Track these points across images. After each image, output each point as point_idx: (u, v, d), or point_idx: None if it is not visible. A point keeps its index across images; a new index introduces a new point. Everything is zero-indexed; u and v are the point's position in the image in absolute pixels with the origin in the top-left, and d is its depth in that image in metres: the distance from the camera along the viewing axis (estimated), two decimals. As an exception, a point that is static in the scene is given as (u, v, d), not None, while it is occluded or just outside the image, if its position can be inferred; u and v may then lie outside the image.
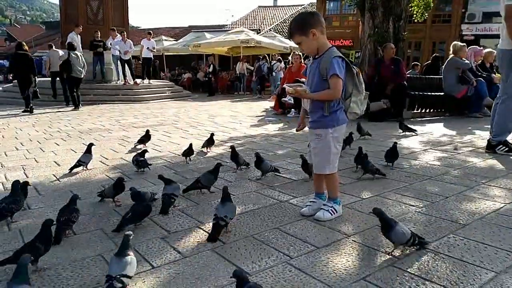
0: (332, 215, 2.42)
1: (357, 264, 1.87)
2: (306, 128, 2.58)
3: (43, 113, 9.21)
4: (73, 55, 9.71)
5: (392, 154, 3.66)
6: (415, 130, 5.60)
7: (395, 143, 3.72)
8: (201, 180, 2.91)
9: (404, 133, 5.57)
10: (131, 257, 1.67)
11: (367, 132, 5.28)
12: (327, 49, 2.35)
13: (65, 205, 2.29)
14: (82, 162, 3.66)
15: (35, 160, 4.19)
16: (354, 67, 2.39)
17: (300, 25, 2.36)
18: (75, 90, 9.95)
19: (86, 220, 2.46)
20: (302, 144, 4.82)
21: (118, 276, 1.58)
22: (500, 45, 4.17)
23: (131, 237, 1.74)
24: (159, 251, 2.03)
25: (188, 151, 4.04)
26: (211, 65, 17.00)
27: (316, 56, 2.40)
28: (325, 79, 2.30)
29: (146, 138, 4.87)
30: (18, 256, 1.63)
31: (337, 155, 2.44)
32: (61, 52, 12.49)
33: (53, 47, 13.46)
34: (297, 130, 2.71)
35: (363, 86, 2.43)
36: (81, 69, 9.83)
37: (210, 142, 4.56)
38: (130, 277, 1.64)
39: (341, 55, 2.33)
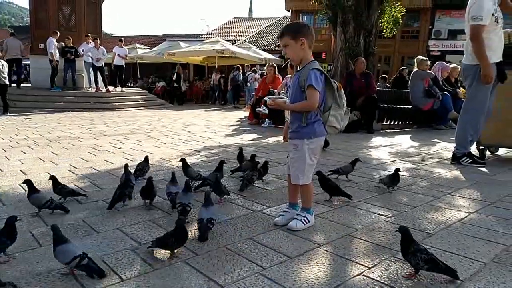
0: (304, 224, 2.44)
1: (328, 273, 1.89)
2: None
3: (9, 120, 8.87)
4: None
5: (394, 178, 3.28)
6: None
7: (398, 169, 3.34)
8: (209, 178, 3.20)
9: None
10: (216, 206, 2.30)
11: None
12: (308, 62, 2.40)
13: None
14: None
15: (-1, 169, 4.02)
16: (335, 81, 2.44)
17: (293, 29, 2.42)
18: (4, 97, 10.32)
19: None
20: (276, 154, 4.86)
21: (209, 219, 2.24)
22: (464, 60, 4.39)
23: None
24: (129, 263, 1.98)
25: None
26: (175, 74, 16.94)
27: (299, 69, 2.46)
28: (303, 90, 2.35)
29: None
30: None
31: (312, 167, 2.47)
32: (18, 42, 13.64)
33: (15, 36, 14.01)
34: (285, 141, 2.71)
35: (344, 101, 2.47)
36: (6, 76, 10.35)
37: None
38: (215, 220, 2.30)
39: (320, 68, 2.37)
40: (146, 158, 3.78)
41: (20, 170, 3.97)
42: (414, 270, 1.84)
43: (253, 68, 17.27)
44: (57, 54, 12.58)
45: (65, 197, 2.96)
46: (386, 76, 14.06)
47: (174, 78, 16.96)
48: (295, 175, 2.47)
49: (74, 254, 1.79)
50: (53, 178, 2.96)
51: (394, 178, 3.29)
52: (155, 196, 2.90)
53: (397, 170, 3.31)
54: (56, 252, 1.83)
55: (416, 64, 8.34)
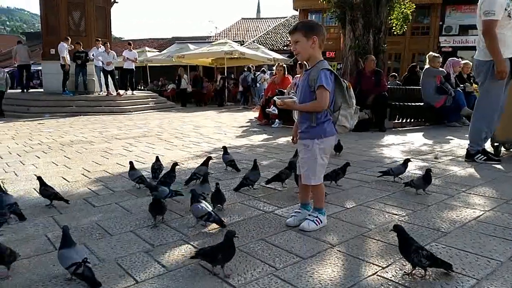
0: (317, 225, 2.43)
1: (342, 274, 1.88)
2: None
3: (23, 125, 9.02)
4: None
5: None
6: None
7: (429, 170, 3.21)
8: (249, 177, 3.30)
9: (388, 143, 5.26)
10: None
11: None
12: (318, 62, 2.39)
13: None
14: None
15: (15, 174, 4.09)
16: (345, 81, 2.43)
17: (307, 26, 2.41)
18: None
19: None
20: (286, 155, 4.85)
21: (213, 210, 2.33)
22: (476, 55, 4.32)
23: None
24: (143, 265, 1.99)
25: None
26: (177, 76, 17.12)
27: (307, 68, 2.46)
28: (313, 90, 2.35)
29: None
30: None
31: (323, 167, 2.46)
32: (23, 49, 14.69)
33: (22, 42, 15.26)
34: (293, 143, 2.70)
35: (354, 100, 2.46)
36: (3, 83, 10.95)
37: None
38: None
39: (330, 68, 2.36)
40: (157, 158, 3.87)
41: (35, 175, 4.01)
42: (422, 270, 1.82)
43: (262, 68, 17.26)
44: (69, 59, 12.78)
45: (50, 199, 2.93)
46: (396, 74, 13.90)
47: (176, 80, 17.24)
48: (307, 176, 2.46)
49: (73, 261, 1.76)
50: (39, 178, 2.97)
51: (426, 179, 3.12)
52: (165, 212, 2.60)
53: (429, 170, 3.16)
54: (58, 255, 1.84)
55: (427, 60, 8.21)
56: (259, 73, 16.46)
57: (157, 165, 3.81)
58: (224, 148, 4.24)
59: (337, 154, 4.89)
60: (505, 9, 3.96)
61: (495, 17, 3.94)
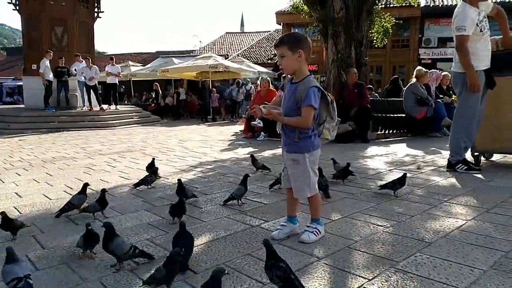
0: (316, 236, 2.44)
1: (328, 287, 1.88)
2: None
3: (3, 142, 8.83)
4: None
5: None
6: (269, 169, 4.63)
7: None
8: (234, 193, 3.29)
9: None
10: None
11: (262, 166, 4.58)
12: (306, 76, 2.38)
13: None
14: (72, 204, 3.04)
15: (-6, 192, 3.98)
16: (329, 94, 2.44)
17: (293, 40, 2.38)
18: None
19: (49, 254, 2.35)
20: (272, 167, 4.85)
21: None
22: (453, 68, 4.44)
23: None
24: (127, 283, 1.96)
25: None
26: (154, 91, 18.02)
27: (293, 81, 2.43)
28: (299, 106, 2.34)
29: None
30: None
31: (316, 177, 2.48)
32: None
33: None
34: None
35: (336, 113, 2.49)
36: None
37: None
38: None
39: (317, 84, 2.36)
40: (153, 161, 4.45)
41: (15, 193, 3.93)
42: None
43: (247, 79, 17.47)
44: (51, 75, 12.61)
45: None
46: (371, 86, 14.15)
47: (153, 95, 17.64)
48: (302, 189, 2.45)
49: (14, 276, 1.73)
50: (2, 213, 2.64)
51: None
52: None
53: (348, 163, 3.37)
54: (1, 271, 1.82)
55: (415, 74, 8.27)
56: (251, 85, 16.57)
57: (155, 168, 4.32)
58: (153, 159, 4.58)
59: (344, 180, 4.04)
60: (477, 24, 4.10)
61: (466, 32, 4.07)
